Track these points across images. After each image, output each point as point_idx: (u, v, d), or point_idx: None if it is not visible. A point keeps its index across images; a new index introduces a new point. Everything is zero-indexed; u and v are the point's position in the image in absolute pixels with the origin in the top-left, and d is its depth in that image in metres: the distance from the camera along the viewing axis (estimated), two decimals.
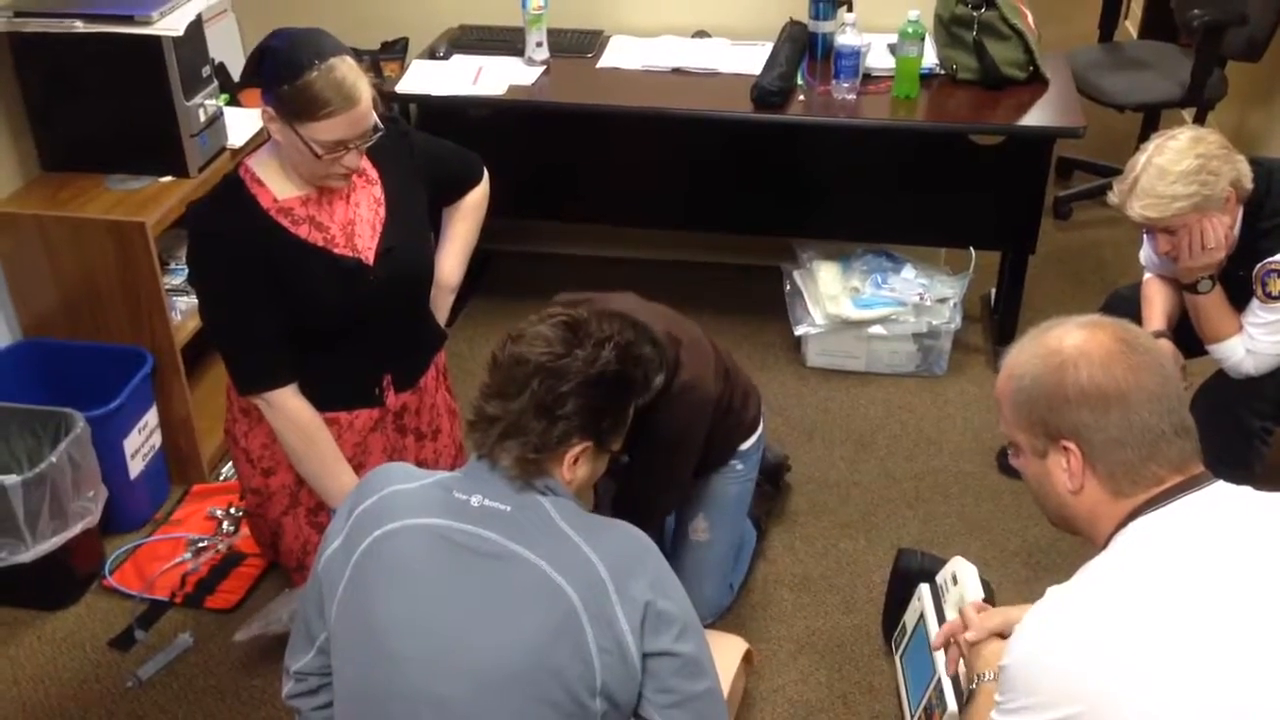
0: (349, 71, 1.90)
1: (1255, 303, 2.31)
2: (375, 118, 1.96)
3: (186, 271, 2.77)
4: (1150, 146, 2.29)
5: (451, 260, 2.29)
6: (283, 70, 1.88)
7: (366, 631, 1.49)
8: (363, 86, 1.92)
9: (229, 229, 1.99)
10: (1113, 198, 2.33)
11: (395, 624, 1.47)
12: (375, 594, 1.49)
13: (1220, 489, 1.37)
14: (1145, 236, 2.53)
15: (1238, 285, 2.34)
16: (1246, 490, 1.38)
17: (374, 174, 2.11)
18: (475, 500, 1.50)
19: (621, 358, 1.57)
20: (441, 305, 2.29)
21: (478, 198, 2.33)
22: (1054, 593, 1.33)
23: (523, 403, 1.50)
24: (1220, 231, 2.26)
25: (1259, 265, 2.27)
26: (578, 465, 1.55)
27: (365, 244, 2.08)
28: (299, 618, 1.66)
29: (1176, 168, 2.22)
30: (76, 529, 2.37)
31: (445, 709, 1.44)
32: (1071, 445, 1.36)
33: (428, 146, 2.22)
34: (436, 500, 1.52)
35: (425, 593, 1.48)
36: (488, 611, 1.45)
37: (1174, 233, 2.28)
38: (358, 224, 2.07)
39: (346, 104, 1.89)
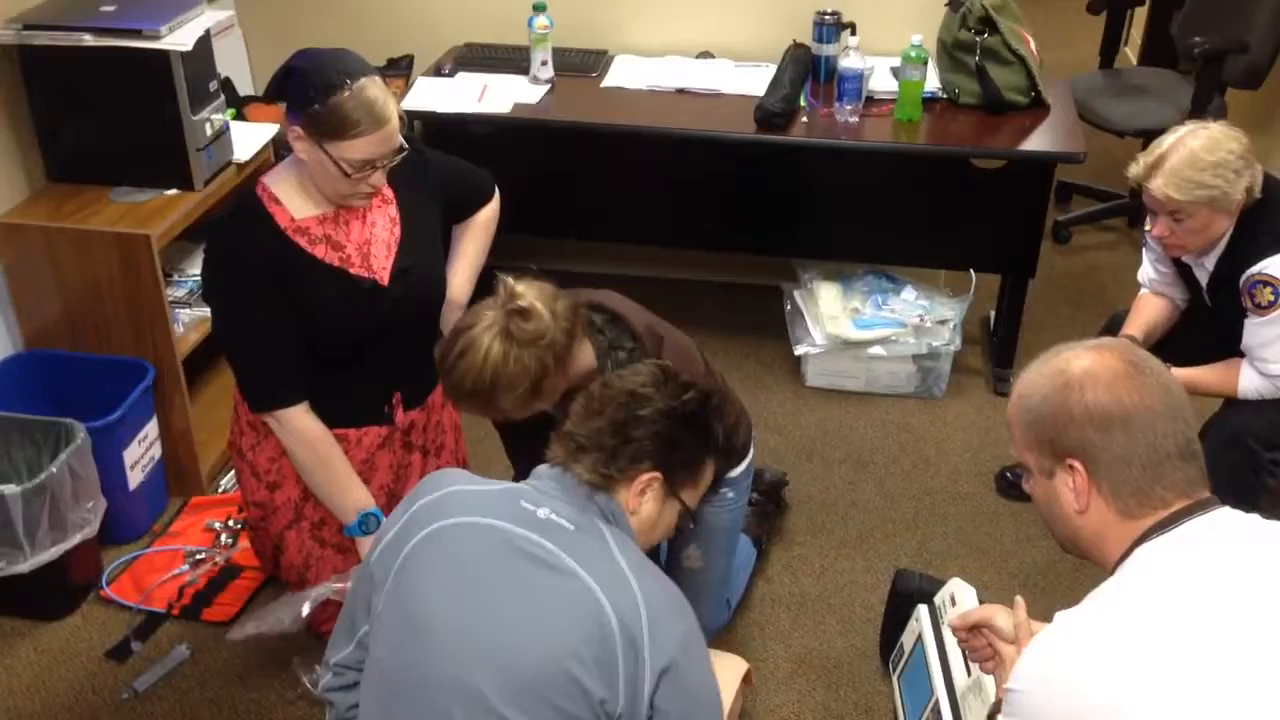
0: (379, 92, 1.92)
1: (1250, 321, 2.31)
2: (401, 138, 1.97)
3: (194, 284, 2.79)
4: (1183, 129, 2.29)
5: (460, 278, 2.29)
6: (312, 90, 1.89)
7: (407, 614, 1.51)
8: (392, 106, 1.94)
9: (245, 247, 2.00)
10: (1134, 169, 2.32)
11: (438, 610, 1.49)
12: (423, 579, 1.52)
13: (1226, 514, 1.37)
14: (1145, 245, 2.54)
15: (1226, 289, 2.34)
16: (1253, 517, 1.38)
17: (389, 194, 2.12)
18: (542, 513, 1.55)
19: (703, 403, 1.68)
20: (450, 323, 2.29)
21: (488, 216, 2.34)
22: (1062, 617, 1.32)
23: (602, 421, 1.60)
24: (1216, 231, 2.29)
25: (1244, 277, 2.28)
26: (644, 497, 1.61)
27: (380, 264, 2.09)
28: (344, 611, 1.68)
29: (1209, 156, 2.23)
30: (75, 539, 2.37)
31: (473, 697, 1.45)
32: (1077, 464, 1.37)
33: (442, 165, 2.23)
34: (503, 506, 1.56)
35: (474, 585, 1.50)
36: (533, 613, 1.47)
37: (1180, 220, 2.29)
38: (374, 244, 2.08)
39: (377, 124, 1.91)
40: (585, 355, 2.01)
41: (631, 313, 2.06)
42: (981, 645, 1.65)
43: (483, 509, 1.56)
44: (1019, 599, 1.59)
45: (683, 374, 1.70)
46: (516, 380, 1.85)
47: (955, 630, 1.69)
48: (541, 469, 1.64)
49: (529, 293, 1.87)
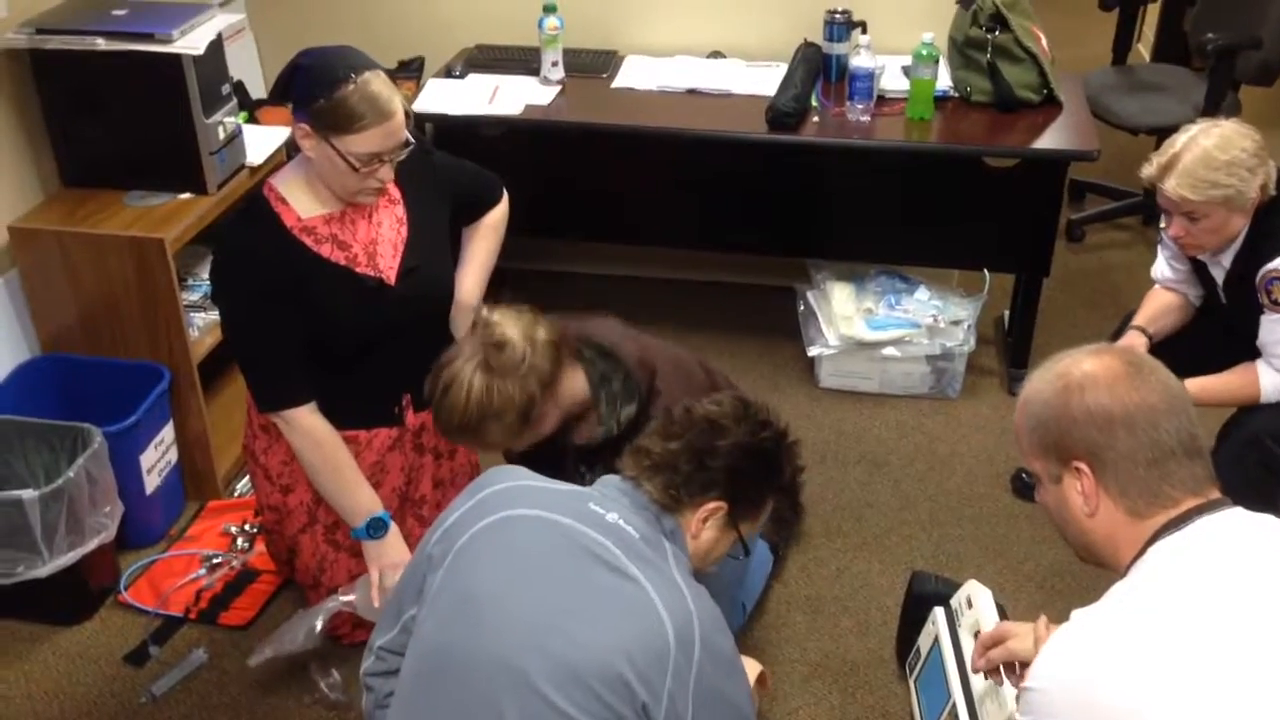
0: (383, 85, 1.94)
1: (1266, 318, 2.29)
2: (407, 132, 1.98)
3: (208, 288, 2.79)
4: (1195, 128, 2.28)
5: (470, 280, 2.30)
6: (317, 86, 1.90)
7: (463, 595, 1.53)
8: (397, 100, 1.95)
9: (253, 248, 2.01)
10: (1147, 170, 2.31)
11: (495, 593, 1.51)
12: (484, 563, 1.54)
13: (1237, 513, 1.38)
14: (1160, 242, 2.53)
15: (1241, 287, 2.33)
16: (1265, 516, 1.39)
17: (396, 194, 2.12)
18: (611, 517, 1.57)
19: (778, 445, 1.72)
20: (460, 325, 2.29)
21: (497, 218, 2.34)
22: (1079, 615, 1.33)
23: (680, 445, 1.64)
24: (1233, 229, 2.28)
25: (1260, 273, 2.26)
26: (707, 524, 1.65)
27: (387, 263, 2.09)
28: (393, 594, 1.70)
29: (1223, 156, 2.22)
30: (92, 544, 2.37)
31: (519, 680, 1.45)
32: (1083, 466, 1.39)
33: (449, 166, 2.24)
34: (571, 505, 1.59)
35: (534, 573, 1.52)
36: (591, 608, 1.49)
37: (1195, 219, 2.28)
38: (380, 243, 2.09)
39: (382, 117, 1.92)
40: (577, 383, 2.02)
41: (623, 344, 2.06)
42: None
43: (550, 505, 1.58)
44: (1042, 617, 1.59)
45: (762, 410, 1.74)
46: (503, 411, 1.88)
47: (979, 669, 1.69)
48: (610, 479, 1.67)
49: (505, 323, 1.90)
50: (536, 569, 1.52)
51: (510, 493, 1.61)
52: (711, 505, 1.64)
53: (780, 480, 1.75)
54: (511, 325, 1.90)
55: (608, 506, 1.59)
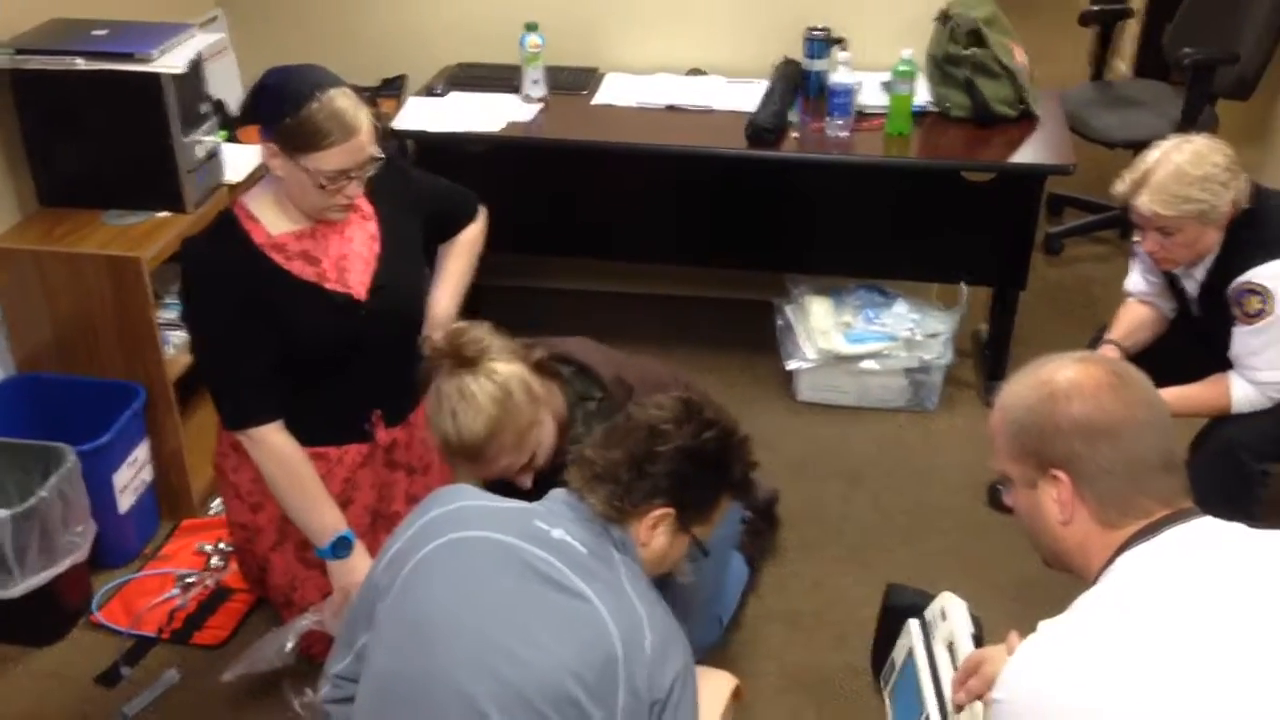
0: (348, 102, 1.94)
1: (1238, 330, 2.30)
2: (374, 148, 1.99)
3: (179, 306, 2.79)
4: (1167, 144, 2.29)
5: (445, 297, 2.30)
6: (283, 105, 1.91)
7: (411, 622, 1.52)
8: (362, 116, 1.96)
9: (221, 265, 2.02)
10: (1119, 186, 2.32)
11: (443, 619, 1.50)
12: (431, 589, 1.52)
13: (1208, 522, 1.38)
14: (1135, 255, 2.54)
15: (1214, 299, 2.34)
16: (1235, 525, 1.39)
17: (369, 209, 2.13)
18: (556, 533, 1.55)
19: (722, 444, 1.67)
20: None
21: (473, 235, 2.35)
22: (1045, 626, 1.33)
23: (620, 454, 1.61)
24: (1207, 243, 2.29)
25: (1232, 286, 2.28)
26: (656, 531, 1.62)
27: (357, 279, 2.09)
28: (345, 621, 1.69)
29: (1195, 171, 2.23)
30: (65, 564, 2.36)
31: (468, 706, 1.45)
32: (1061, 474, 1.38)
33: (423, 183, 2.25)
34: (517, 523, 1.57)
35: (482, 597, 1.51)
36: (538, 629, 1.48)
37: (1169, 234, 2.29)
38: (350, 259, 2.09)
39: (347, 134, 1.93)
40: (556, 397, 2.01)
41: (599, 362, 2.06)
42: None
43: (496, 524, 1.57)
44: (1013, 633, 1.59)
45: (708, 409, 1.70)
46: (509, 386, 1.85)
47: (961, 703, 1.68)
48: (557, 493, 1.65)
49: (451, 325, 1.93)
50: (483, 592, 1.51)
51: (455, 515, 1.60)
52: (658, 512, 1.61)
53: (729, 479, 1.71)
54: (458, 324, 1.92)
55: (553, 523, 1.57)
